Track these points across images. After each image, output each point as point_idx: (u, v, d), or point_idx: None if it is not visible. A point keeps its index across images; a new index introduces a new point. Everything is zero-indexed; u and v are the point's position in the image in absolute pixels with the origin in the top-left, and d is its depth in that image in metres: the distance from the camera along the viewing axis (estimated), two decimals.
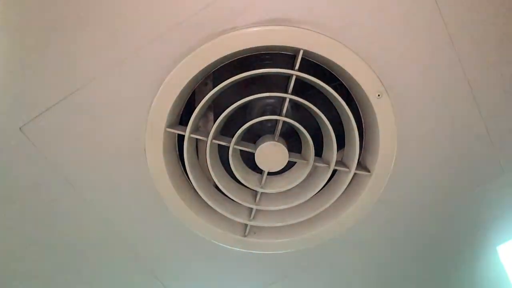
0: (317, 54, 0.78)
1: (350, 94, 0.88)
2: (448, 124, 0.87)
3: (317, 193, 0.90)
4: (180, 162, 0.92)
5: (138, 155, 0.85)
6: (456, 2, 0.76)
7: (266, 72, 0.79)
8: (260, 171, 0.89)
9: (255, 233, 0.96)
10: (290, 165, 0.89)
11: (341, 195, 0.90)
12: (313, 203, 0.93)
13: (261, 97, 0.80)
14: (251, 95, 0.80)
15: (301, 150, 0.94)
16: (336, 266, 1.04)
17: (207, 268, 1.03)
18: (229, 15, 0.74)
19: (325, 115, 0.82)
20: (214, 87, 0.80)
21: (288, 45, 0.77)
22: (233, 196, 0.89)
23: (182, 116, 0.89)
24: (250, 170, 0.95)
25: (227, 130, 0.91)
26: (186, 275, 1.03)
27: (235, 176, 0.88)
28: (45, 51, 0.75)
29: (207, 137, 0.84)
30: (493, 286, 1.12)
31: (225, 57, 0.79)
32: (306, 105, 0.82)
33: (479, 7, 0.77)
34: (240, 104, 0.80)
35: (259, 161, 0.85)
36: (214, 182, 0.89)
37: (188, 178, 0.89)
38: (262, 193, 0.91)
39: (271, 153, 0.84)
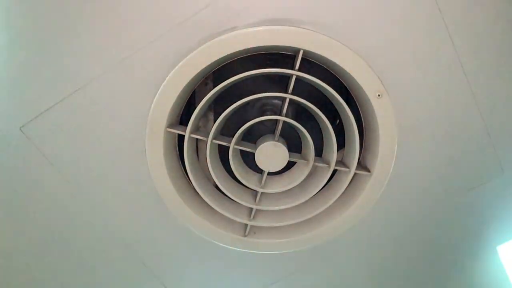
0: (317, 54, 0.78)
1: (350, 94, 0.88)
2: (448, 124, 0.87)
3: (317, 193, 0.90)
4: (180, 162, 0.92)
5: (138, 155, 0.85)
6: (456, 2, 0.76)
7: (266, 72, 0.79)
8: (260, 171, 0.89)
9: (255, 233, 0.96)
10: (290, 165, 0.89)
11: (341, 195, 0.90)
12: (313, 203, 0.93)
13: (261, 97, 0.80)
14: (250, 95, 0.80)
15: (301, 150, 0.94)
16: (336, 266, 1.04)
17: (207, 268, 1.03)
18: (229, 15, 0.74)
19: (325, 115, 0.82)
20: (214, 87, 0.80)
21: (288, 45, 0.77)
22: (233, 196, 0.89)
23: (182, 116, 0.89)
24: (250, 170, 0.95)
25: (227, 130, 0.91)
26: (186, 275, 1.03)
27: (235, 176, 0.88)
28: (45, 51, 0.75)
29: (207, 137, 0.84)
30: (493, 286, 1.12)
31: (225, 57, 0.79)
32: (306, 105, 0.82)
33: (479, 7, 0.77)
34: (240, 104, 0.80)
35: (259, 161, 0.85)
36: (214, 182, 0.89)
37: (188, 178, 0.89)
38: (262, 193, 0.91)
39: (271, 153, 0.84)
